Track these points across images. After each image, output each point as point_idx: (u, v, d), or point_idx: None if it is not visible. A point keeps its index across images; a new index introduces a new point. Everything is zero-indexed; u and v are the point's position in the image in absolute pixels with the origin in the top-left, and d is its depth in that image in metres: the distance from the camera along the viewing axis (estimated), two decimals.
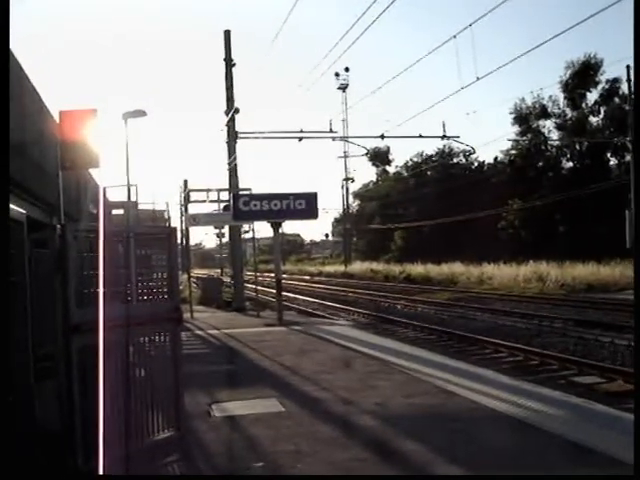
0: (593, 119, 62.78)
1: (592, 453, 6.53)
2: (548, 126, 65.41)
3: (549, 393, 9.75)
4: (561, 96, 63.57)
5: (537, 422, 7.75)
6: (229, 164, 27.34)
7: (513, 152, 67.36)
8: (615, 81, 58.92)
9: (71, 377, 6.04)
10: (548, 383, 12.04)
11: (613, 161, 62.08)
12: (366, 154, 61.30)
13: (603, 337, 18.28)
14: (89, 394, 6.01)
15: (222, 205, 28.17)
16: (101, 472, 5.54)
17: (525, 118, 64.97)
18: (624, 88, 51.20)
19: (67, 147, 8.33)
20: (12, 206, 5.52)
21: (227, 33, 27.83)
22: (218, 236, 46.41)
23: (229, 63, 27.80)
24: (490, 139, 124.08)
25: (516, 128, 65.52)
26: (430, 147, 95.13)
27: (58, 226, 6.40)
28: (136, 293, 7.03)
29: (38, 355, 6.31)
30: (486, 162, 78.35)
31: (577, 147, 63.11)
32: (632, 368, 13.94)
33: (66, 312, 6.08)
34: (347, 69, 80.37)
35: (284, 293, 24.67)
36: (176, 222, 45.54)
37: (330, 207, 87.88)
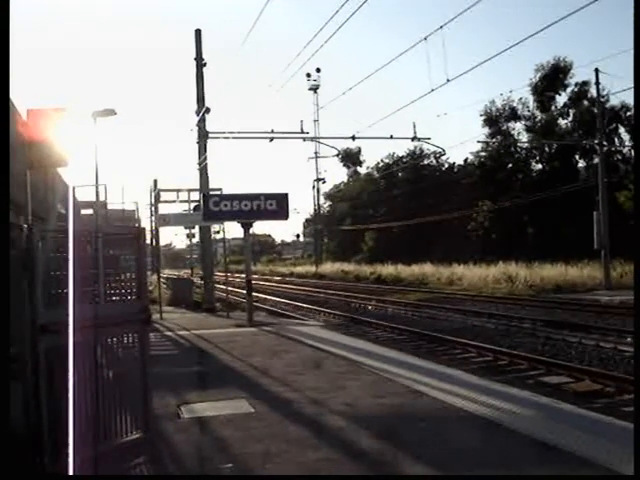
0: (562, 121, 63.50)
1: (559, 452, 6.59)
2: (518, 128, 66.16)
3: (518, 393, 9.82)
4: (531, 99, 64.26)
5: (505, 422, 7.81)
6: (199, 164, 27.23)
7: (483, 154, 67.87)
8: (584, 84, 59.62)
9: (38, 378, 5.98)
10: (517, 383, 12.15)
11: (581, 163, 62.82)
12: (337, 155, 61.52)
13: (571, 337, 18.48)
14: (56, 395, 5.96)
15: (192, 205, 28.10)
16: (71, 472, 5.49)
17: (495, 120, 65.49)
18: (593, 91, 51.84)
19: (35, 146, 8.25)
20: None
21: (198, 32, 27.77)
22: (188, 236, 46.16)
23: (200, 63, 27.72)
24: (460, 141, 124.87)
25: (486, 130, 66.08)
26: (401, 148, 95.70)
27: (25, 226, 6.33)
28: (104, 294, 6.97)
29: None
30: (456, 164, 79.03)
31: (546, 149, 63.73)
32: (599, 368, 14.14)
33: (33, 312, 6.02)
34: (318, 70, 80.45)
35: (255, 294, 24.65)
36: (146, 222, 45.27)
37: (301, 208, 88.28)
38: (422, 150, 76.35)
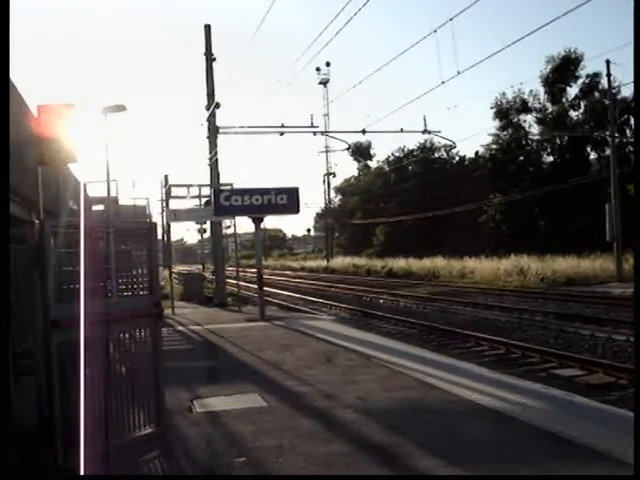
0: (573, 113, 63.23)
1: (571, 445, 6.57)
2: (529, 120, 65.94)
3: (530, 386, 9.79)
4: (542, 90, 63.99)
5: (518, 414, 7.78)
6: (210, 159, 27.24)
7: (494, 146, 67.67)
8: (595, 76, 59.30)
9: (51, 374, 6.00)
10: (529, 376, 12.10)
11: (593, 155, 62.58)
12: (347, 149, 61.37)
13: (583, 330, 18.39)
14: (68, 391, 5.97)
15: (203, 200, 28.12)
16: (82, 470, 5.50)
17: (506, 112, 65.28)
18: (604, 83, 51.54)
19: (45, 142, 8.26)
20: None
21: (207, 28, 27.71)
22: (199, 232, 46.25)
23: (209, 58, 27.69)
24: (471, 133, 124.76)
25: (497, 122, 65.96)
26: (411, 141, 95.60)
27: (37, 222, 6.35)
28: (116, 289, 6.99)
29: (17, 352, 6.26)
30: (467, 156, 78.81)
31: (557, 141, 63.46)
32: (612, 360, 14.08)
33: (45, 308, 6.04)
34: (328, 64, 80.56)
35: (266, 288, 24.67)
36: (157, 218, 45.41)
37: (312, 202, 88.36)
38: (432, 143, 76.49)
